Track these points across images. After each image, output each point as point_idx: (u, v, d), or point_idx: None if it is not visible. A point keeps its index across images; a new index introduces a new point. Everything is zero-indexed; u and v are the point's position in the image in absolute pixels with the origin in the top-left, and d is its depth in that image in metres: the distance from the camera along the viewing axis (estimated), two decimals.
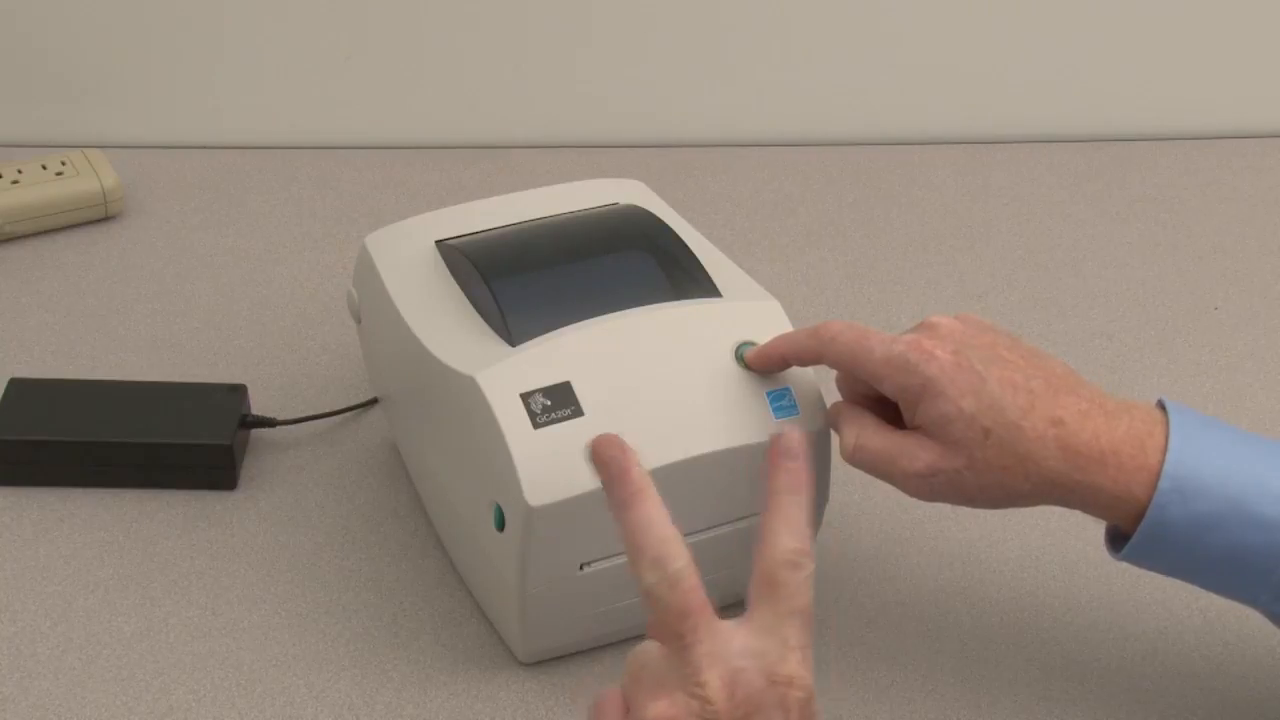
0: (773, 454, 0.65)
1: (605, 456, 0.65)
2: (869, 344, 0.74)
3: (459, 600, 0.84)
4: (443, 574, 0.86)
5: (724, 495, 0.77)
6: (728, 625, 0.61)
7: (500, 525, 0.75)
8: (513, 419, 0.74)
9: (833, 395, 0.79)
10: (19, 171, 1.10)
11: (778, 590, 0.62)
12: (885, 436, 0.74)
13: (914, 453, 0.73)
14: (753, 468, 0.76)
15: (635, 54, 1.18)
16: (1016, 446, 0.71)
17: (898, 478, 0.74)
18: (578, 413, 0.74)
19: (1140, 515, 0.71)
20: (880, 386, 0.74)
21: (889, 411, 0.76)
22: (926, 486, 0.73)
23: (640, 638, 0.82)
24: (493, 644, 0.82)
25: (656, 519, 0.63)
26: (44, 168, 1.10)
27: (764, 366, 0.77)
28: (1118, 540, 0.74)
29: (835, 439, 0.78)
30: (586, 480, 0.73)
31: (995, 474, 0.72)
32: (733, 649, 0.60)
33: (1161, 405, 0.73)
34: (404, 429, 0.87)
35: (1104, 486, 0.71)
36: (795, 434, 0.65)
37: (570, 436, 0.74)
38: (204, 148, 1.18)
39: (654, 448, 0.74)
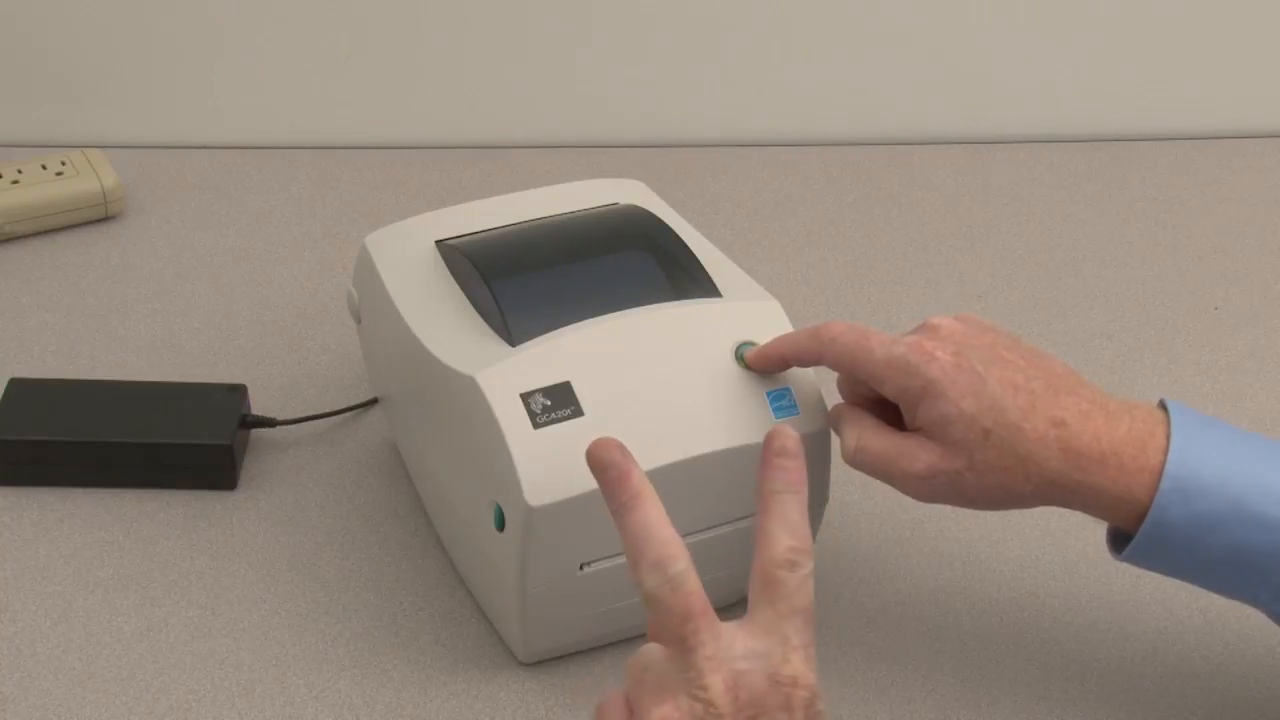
0: (766, 453, 0.65)
1: (604, 460, 0.65)
2: (869, 345, 0.74)
3: (459, 600, 0.84)
4: (443, 574, 0.86)
5: (724, 495, 0.77)
6: (729, 627, 0.61)
7: (500, 525, 0.75)
8: (513, 419, 0.74)
9: (833, 396, 0.79)
10: (19, 171, 1.10)
11: (777, 590, 0.62)
12: (885, 438, 0.74)
13: (914, 454, 0.73)
14: (753, 468, 0.76)
15: (635, 54, 1.18)
16: (1017, 447, 0.71)
17: (898, 479, 0.74)
18: (578, 413, 0.74)
19: (1141, 516, 0.71)
20: (881, 388, 0.74)
21: (890, 413, 0.76)
22: (927, 488, 0.73)
23: (640, 638, 0.82)
24: (493, 644, 0.82)
25: (656, 522, 0.63)
26: (44, 168, 1.10)
27: (764, 367, 0.77)
28: (1119, 541, 0.74)
29: (836, 440, 0.78)
30: (586, 480, 0.73)
31: (996, 475, 0.72)
32: (735, 651, 0.61)
33: (1163, 405, 0.73)
34: (404, 429, 0.87)
35: (1105, 487, 0.71)
36: (789, 432, 0.65)
37: (570, 436, 0.74)
38: (204, 148, 1.18)
39: (654, 448, 0.74)
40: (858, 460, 0.75)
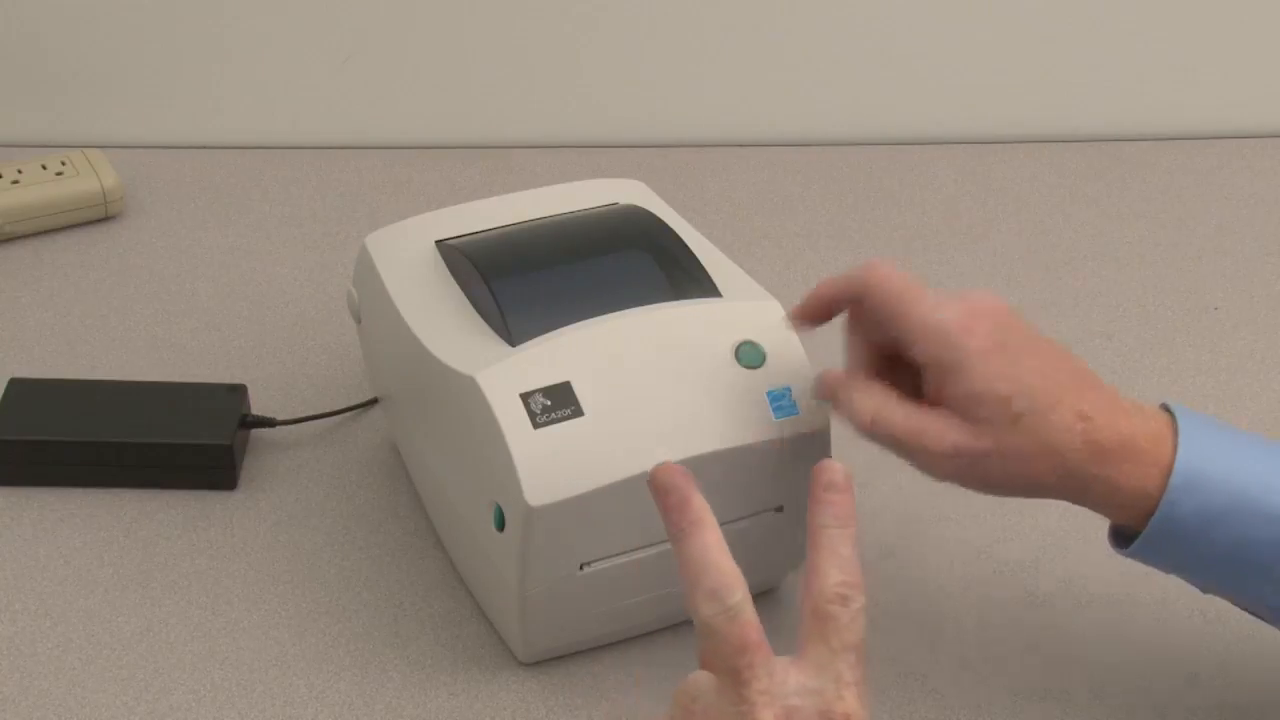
0: (814, 487, 0.65)
1: (667, 484, 0.65)
2: (913, 300, 0.72)
3: (459, 600, 0.84)
4: (443, 574, 0.86)
5: (724, 495, 0.76)
6: (783, 662, 0.61)
7: (500, 525, 0.75)
8: (513, 419, 0.74)
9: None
10: (19, 171, 1.10)
11: (828, 625, 0.62)
12: (908, 411, 0.73)
13: (941, 431, 0.72)
14: (753, 467, 0.77)
15: (635, 54, 1.18)
16: (1043, 436, 0.71)
17: (919, 455, 0.73)
18: (578, 413, 0.74)
19: (1150, 511, 0.71)
20: (909, 349, 0.73)
21: (894, 377, 0.74)
22: (950, 467, 0.72)
23: (640, 638, 0.82)
24: (493, 644, 0.82)
25: (715, 549, 0.62)
26: (44, 168, 1.10)
27: (809, 316, 0.76)
28: (1121, 538, 0.74)
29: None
30: (586, 480, 0.73)
31: (1019, 462, 0.71)
32: (788, 687, 0.60)
33: (1164, 408, 0.73)
34: (404, 429, 0.87)
35: (1121, 483, 0.71)
36: (836, 466, 0.65)
37: (570, 436, 0.74)
38: (204, 148, 1.18)
39: (654, 448, 0.74)
40: (875, 431, 0.73)
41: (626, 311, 0.78)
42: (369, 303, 0.86)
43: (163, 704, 0.79)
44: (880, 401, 0.73)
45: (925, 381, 0.73)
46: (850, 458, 0.76)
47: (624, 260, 0.82)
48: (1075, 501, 0.73)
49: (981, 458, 0.71)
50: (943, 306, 0.72)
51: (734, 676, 0.60)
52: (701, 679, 0.61)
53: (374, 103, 1.19)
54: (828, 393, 0.76)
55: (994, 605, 0.85)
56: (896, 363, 0.75)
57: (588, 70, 1.18)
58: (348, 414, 0.95)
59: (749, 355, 0.77)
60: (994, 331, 0.72)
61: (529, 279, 0.80)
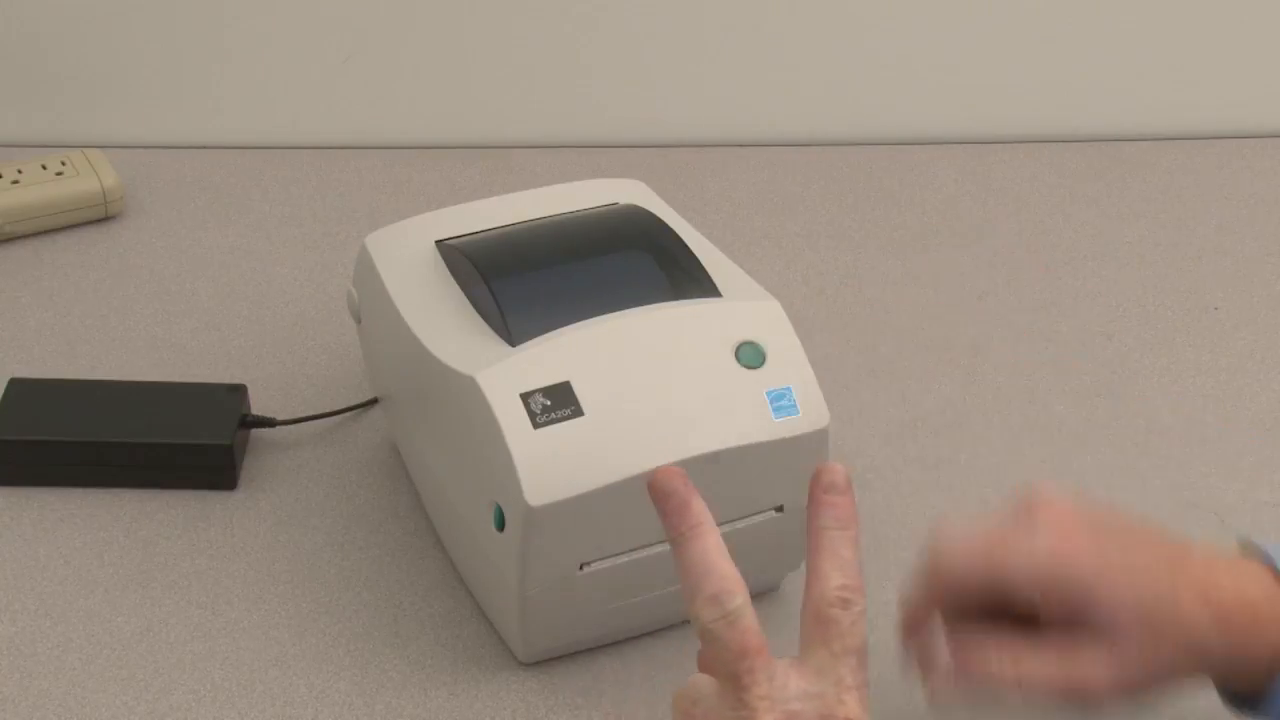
0: (815, 488, 0.65)
1: (667, 488, 0.64)
2: (1001, 550, 0.66)
3: (459, 600, 0.84)
4: (443, 574, 0.86)
5: (724, 495, 0.77)
6: (783, 666, 0.61)
7: (500, 525, 0.75)
8: (513, 419, 0.74)
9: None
10: (19, 171, 1.10)
11: (830, 629, 0.61)
12: (1049, 660, 0.66)
13: (1094, 673, 0.65)
14: (753, 467, 0.77)
15: (635, 54, 1.18)
16: (1180, 634, 0.65)
17: (1077, 701, 0.66)
18: (578, 413, 0.74)
19: (1273, 667, 0.66)
20: (1022, 596, 0.66)
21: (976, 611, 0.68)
22: (1110, 701, 0.66)
23: (640, 638, 0.82)
24: (493, 644, 0.82)
25: (715, 554, 0.62)
26: (44, 168, 1.10)
27: (918, 635, 0.69)
28: (1237, 698, 0.69)
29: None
30: (586, 480, 0.73)
31: (1166, 666, 0.66)
32: (789, 692, 0.60)
33: (1242, 544, 0.69)
34: (404, 429, 0.87)
35: (1248, 650, 0.66)
36: (837, 467, 0.65)
37: (570, 436, 0.74)
38: (204, 148, 1.18)
39: (654, 448, 0.74)
40: (1025, 692, 0.66)
41: (626, 311, 0.78)
42: (369, 303, 0.86)
43: (163, 704, 0.79)
44: (1016, 661, 0.66)
45: (1047, 617, 0.67)
46: (850, 458, 0.76)
47: (624, 260, 0.82)
48: (1206, 672, 0.67)
49: (1140, 682, 0.66)
50: (1032, 537, 0.66)
51: (734, 681, 0.60)
52: (701, 682, 0.61)
53: (374, 103, 1.19)
54: (944, 679, 0.68)
55: None
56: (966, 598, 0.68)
57: (588, 70, 1.18)
58: (348, 414, 0.95)
59: (749, 355, 0.77)
60: (1093, 540, 0.66)
61: (529, 279, 0.80)
